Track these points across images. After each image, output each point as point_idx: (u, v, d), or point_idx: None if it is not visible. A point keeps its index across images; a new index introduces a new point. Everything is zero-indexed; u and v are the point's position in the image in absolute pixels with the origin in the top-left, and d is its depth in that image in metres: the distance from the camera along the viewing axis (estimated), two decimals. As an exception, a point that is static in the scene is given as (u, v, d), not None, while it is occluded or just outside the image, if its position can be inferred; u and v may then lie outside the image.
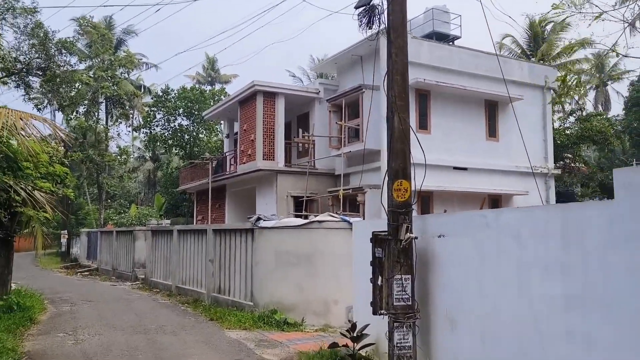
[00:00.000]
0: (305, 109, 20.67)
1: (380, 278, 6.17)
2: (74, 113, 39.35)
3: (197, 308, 12.42)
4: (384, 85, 6.53)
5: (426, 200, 17.11)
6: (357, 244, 8.24)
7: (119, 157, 43.00)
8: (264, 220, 11.39)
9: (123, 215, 40.41)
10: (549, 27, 32.32)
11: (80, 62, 39.58)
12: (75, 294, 15.02)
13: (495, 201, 18.46)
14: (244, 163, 19.95)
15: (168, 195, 38.16)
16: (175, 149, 38.00)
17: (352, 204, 17.75)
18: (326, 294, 10.78)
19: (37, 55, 26.89)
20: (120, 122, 44.46)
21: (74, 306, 12.67)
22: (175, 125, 35.20)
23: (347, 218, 11.06)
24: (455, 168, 17.67)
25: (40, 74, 27.65)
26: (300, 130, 21.33)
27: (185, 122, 35.19)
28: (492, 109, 18.75)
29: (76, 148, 40.01)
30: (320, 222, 10.92)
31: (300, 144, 21.05)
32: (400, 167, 6.23)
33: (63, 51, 26.92)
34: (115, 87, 39.31)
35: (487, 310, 5.28)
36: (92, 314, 11.51)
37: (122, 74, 41.11)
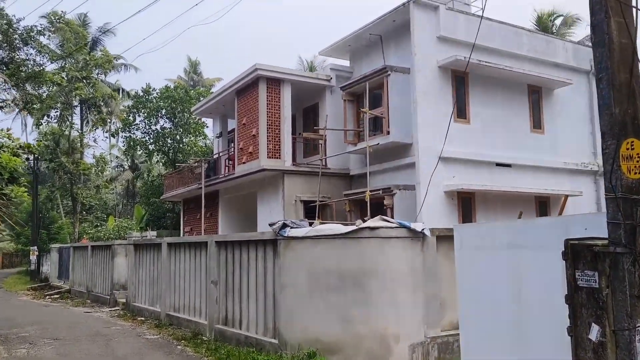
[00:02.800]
0: (314, 100, 17.76)
1: (594, 328, 3.24)
2: (45, 117, 35.90)
3: (200, 347, 9.34)
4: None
5: (467, 203, 14.30)
6: (463, 260, 5.34)
7: (95, 166, 39.48)
8: (292, 228, 8.42)
9: (100, 228, 36.85)
10: (558, 22, 30.16)
11: (52, 62, 36.26)
12: (38, 328, 11.78)
13: (543, 204, 15.73)
14: (244, 163, 16.92)
15: (149, 206, 34.73)
16: (157, 155, 34.68)
17: (375, 209, 14.83)
18: (383, 328, 7.83)
19: (-3, 47, 23.56)
20: (97, 128, 41.17)
21: (33, 348, 9.47)
22: (157, 129, 31.93)
23: (406, 223, 8.15)
24: (497, 164, 14.91)
25: (3, 69, 24.32)
26: (306, 126, 18.43)
27: (168, 125, 31.96)
28: (535, 96, 16.09)
29: (47, 156, 36.61)
30: (372, 228, 7.98)
31: (308, 141, 18.12)
32: (628, 114, 3.28)
33: (29, 42, 23.63)
34: (91, 89, 36.01)
35: None
36: (56, 361, 8.37)
37: (99, 75, 37.82)
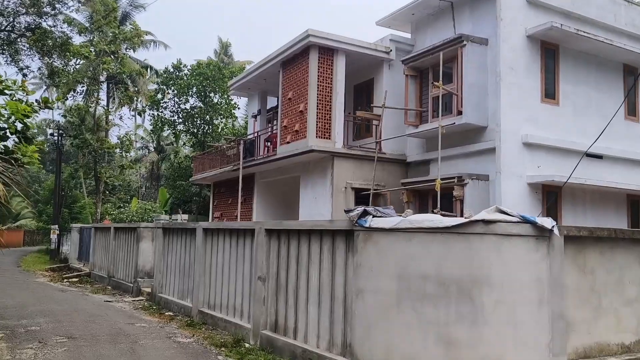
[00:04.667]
0: (368, 75, 15.75)
1: None
2: (70, 92, 34.49)
3: (245, 358, 7.48)
4: None
5: (552, 197, 12.18)
6: None
7: (119, 146, 38.05)
8: (376, 216, 6.47)
9: (123, 210, 35.44)
10: None
11: (80, 35, 34.84)
12: (51, 321, 10.09)
13: (635, 203, 13.52)
14: (287, 143, 15.00)
15: (175, 189, 33.16)
16: (186, 136, 33.04)
17: (442, 201, 12.81)
18: (499, 356, 5.86)
19: (24, 11, 21.97)
20: (123, 106, 39.70)
21: (42, 350, 7.72)
22: (186, 108, 30.24)
23: (530, 217, 6.13)
24: (588, 155, 12.73)
25: (29, 34, 22.78)
26: (356, 105, 16.43)
27: (198, 105, 30.23)
28: (631, 77, 13.83)
29: (72, 132, 35.26)
30: (487, 222, 5.99)
31: (359, 122, 16.13)
32: None
33: (56, 6, 21.98)
34: (119, 65, 34.46)
35: None
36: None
37: (127, 49, 36.23)
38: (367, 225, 6.48)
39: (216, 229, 10.66)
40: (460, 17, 13.66)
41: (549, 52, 12.44)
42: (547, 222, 6.14)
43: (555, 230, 6.21)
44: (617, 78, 13.54)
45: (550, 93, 12.37)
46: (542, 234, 6.18)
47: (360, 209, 6.59)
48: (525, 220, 6.11)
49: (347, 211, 6.73)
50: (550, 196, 12.10)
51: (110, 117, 37.43)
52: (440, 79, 11.74)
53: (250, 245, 9.22)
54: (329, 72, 14.25)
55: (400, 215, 6.45)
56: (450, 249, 6.11)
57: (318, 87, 14.04)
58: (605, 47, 12.68)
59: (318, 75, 14.06)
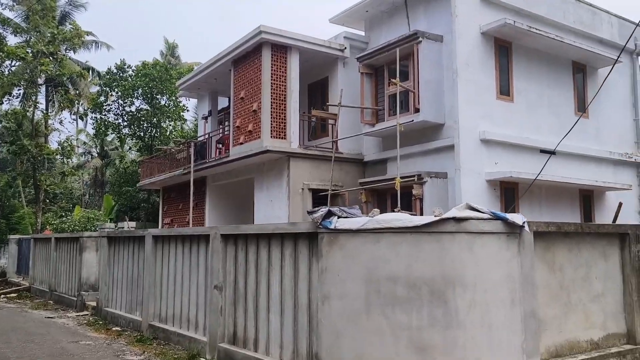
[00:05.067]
0: (323, 74, 15.40)
1: None
2: (6, 96, 32.48)
3: (202, 376, 6.93)
4: None
5: (510, 194, 12.18)
6: None
7: (61, 150, 36.12)
8: (342, 217, 6.08)
9: (65, 219, 33.63)
10: None
11: (15, 35, 32.98)
12: (-18, 342, 9.14)
13: (587, 198, 13.76)
14: (240, 144, 14.43)
15: (120, 195, 31.71)
16: (132, 140, 31.72)
17: (401, 200, 12.59)
18: (475, 360, 5.58)
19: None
20: (63, 110, 37.76)
21: (-29, 376, 6.90)
22: (132, 111, 28.98)
23: (501, 214, 5.90)
24: (542, 151, 12.84)
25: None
26: (311, 105, 16.07)
27: (144, 107, 29.02)
28: (580, 74, 14.09)
29: (8, 138, 33.21)
30: (458, 220, 5.70)
31: (315, 121, 15.76)
32: None
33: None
34: (58, 66, 32.72)
35: None
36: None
37: (67, 50, 34.46)
38: (332, 227, 6.08)
39: (167, 235, 10.00)
40: (414, 14, 13.53)
41: (503, 49, 12.47)
42: (518, 219, 5.93)
43: (526, 227, 6.01)
44: (567, 75, 13.76)
45: (504, 90, 12.40)
46: (513, 230, 5.96)
47: (325, 209, 6.18)
48: (496, 217, 5.87)
49: (311, 212, 6.31)
50: (508, 192, 12.10)
51: (49, 122, 35.55)
52: (397, 75, 11.51)
53: (205, 252, 8.64)
54: (283, 70, 13.80)
55: (367, 216, 6.08)
56: (421, 249, 5.79)
57: (272, 86, 13.57)
58: (556, 44, 12.84)
59: (272, 73, 13.58)
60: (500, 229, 5.89)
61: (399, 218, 5.91)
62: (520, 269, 6.01)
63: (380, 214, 6.10)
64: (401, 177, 11.90)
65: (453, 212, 5.79)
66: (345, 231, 6.03)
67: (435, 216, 5.77)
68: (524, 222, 5.93)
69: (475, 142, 11.61)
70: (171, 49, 49.12)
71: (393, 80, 11.48)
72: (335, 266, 6.07)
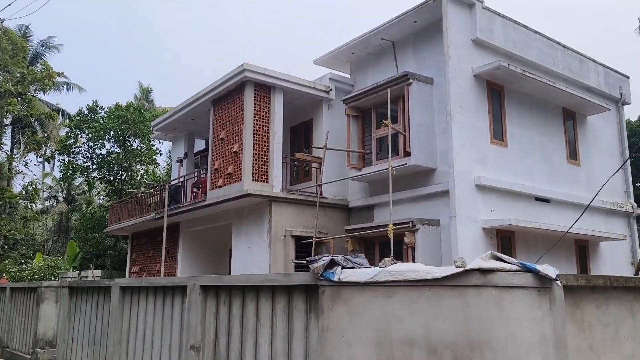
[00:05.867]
0: (307, 116, 14.82)
1: None
2: (-32, 136, 31.05)
3: None
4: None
5: (507, 243, 11.53)
6: None
7: (25, 194, 34.39)
8: (347, 267, 5.25)
9: (24, 267, 31.61)
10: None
11: (-19, 74, 31.91)
12: None
13: (583, 248, 13.22)
14: (219, 187, 13.55)
15: (86, 242, 30.04)
16: (101, 184, 30.39)
17: (389, 250, 11.81)
18: None
19: None
20: (30, 152, 36.30)
21: None
22: (102, 153, 27.87)
23: (530, 265, 5.16)
24: (536, 199, 12.34)
25: None
26: (294, 148, 15.40)
27: (115, 150, 27.95)
28: (570, 121, 13.85)
29: (-33, 181, 31.50)
30: (484, 272, 4.93)
31: (298, 165, 15.04)
32: None
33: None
34: (26, 107, 31.59)
35: None
36: None
37: (37, 91, 33.40)
38: (335, 278, 5.23)
39: (137, 286, 8.90)
40: (402, 57, 13.19)
41: (495, 92, 12.13)
42: (550, 271, 5.17)
43: (558, 281, 5.27)
44: (558, 122, 13.49)
45: (498, 134, 11.97)
46: (544, 284, 5.20)
47: (327, 258, 5.33)
48: (526, 269, 5.11)
49: (310, 261, 5.44)
50: (505, 241, 11.46)
51: (14, 164, 34.03)
52: (389, 117, 10.97)
53: (180, 306, 7.60)
54: (266, 110, 13.16)
55: (378, 266, 5.26)
56: (442, 306, 4.97)
57: (254, 126, 12.87)
58: (548, 90, 12.59)
59: (254, 114, 12.92)
60: (531, 283, 5.12)
61: (416, 269, 5.10)
62: (552, 330, 5.22)
63: (391, 263, 5.29)
64: (393, 224, 11.20)
65: (478, 263, 5.02)
66: (352, 284, 5.18)
67: (457, 267, 5.00)
68: (557, 276, 5.20)
69: (471, 188, 11.02)
70: (145, 92, 48.47)
71: (385, 121, 10.91)
72: (339, 325, 5.18)
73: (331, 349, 5.13)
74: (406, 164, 11.29)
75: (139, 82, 50.27)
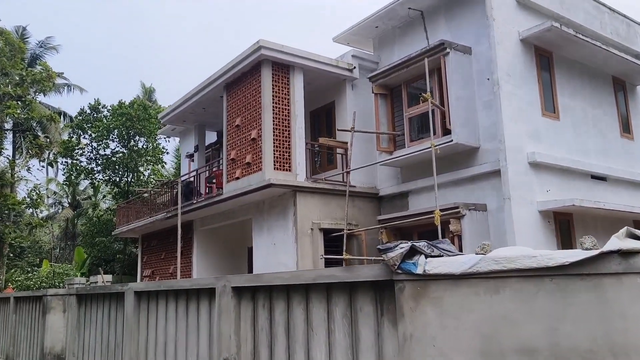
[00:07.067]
0: (328, 98, 13.59)
1: None
2: (-32, 142, 30.04)
3: None
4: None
5: (565, 227, 10.26)
6: None
7: (27, 202, 33.33)
8: (431, 256, 4.01)
9: (31, 275, 30.56)
10: None
11: (-21, 77, 30.86)
12: None
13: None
14: (236, 179, 12.35)
15: (93, 247, 28.95)
16: (107, 186, 29.26)
17: (430, 237, 10.57)
18: None
19: None
20: (32, 157, 35.22)
21: None
22: (106, 154, 26.73)
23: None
24: (592, 177, 11.08)
25: None
26: (315, 133, 14.18)
27: (120, 150, 26.80)
28: (620, 91, 12.57)
29: (-31, 188, 30.45)
30: (624, 254, 3.69)
31: (320, 150, 13.81)
32: None
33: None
34: (26, 110, 30.53)
35: None
36: None
37: (37, 93, 32.31)
38: (418, 270, 3.98)
39: (154, 291, 7.70)
40: (433, 27, 11.93)
41: (544, 59, 10.87)
42: None
43: None
44: (608, 91, 12.23)
45: (549, 106, 10.71)
46: (694, 268, 3.96)
47: (406, 245, 4.10)
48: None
49: (383, 250, 4.20)
50: (563, 225, 10.19)
51: (16, 170, 32.96)
52: (428, 90, 9.71)
53: (208, 312, 6.39)
54: (286, 92, 11.94)
55: (476, 253, 4.03)
56: (570, 304, 3.71)
57: (274, 110, 11.65)
58: (599, 55, 11.33)
59: (273, 96, 11.70)
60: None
61: (531, 254, 3.86)
62: None
63: (500, 248, 4.05)
64: (452, 208, 9.96)
65: (615, 243, 3.76)
66: (442, 277, 3.93)
67: (586, 249, 3.76)
68: None
69: (524, 166, 9.77)
70: (148, 93, 47.30)
71: (424, 94, 9.63)
72: (427, 332, 3.94)
73: (411, 355, 3.90)
74: (451, 140, 10.02)
75: (141, 82, 49.08)
